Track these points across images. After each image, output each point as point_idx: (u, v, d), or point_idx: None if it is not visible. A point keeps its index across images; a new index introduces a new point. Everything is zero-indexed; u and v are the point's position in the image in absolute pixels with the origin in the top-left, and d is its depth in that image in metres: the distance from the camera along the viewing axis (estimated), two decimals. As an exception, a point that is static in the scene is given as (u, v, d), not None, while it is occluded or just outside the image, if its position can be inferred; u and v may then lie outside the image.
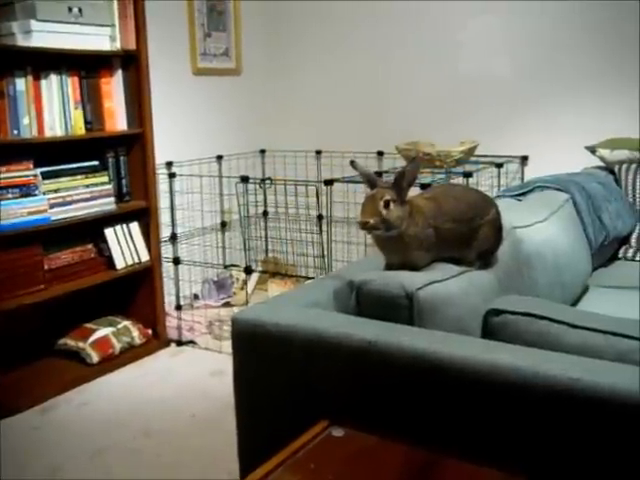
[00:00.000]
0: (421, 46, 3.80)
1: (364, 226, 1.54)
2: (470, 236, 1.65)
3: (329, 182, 3.02)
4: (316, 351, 1.38)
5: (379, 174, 3.47)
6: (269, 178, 3.31)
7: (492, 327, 1.40)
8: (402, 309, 1.40)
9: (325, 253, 3.09)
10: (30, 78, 2.86)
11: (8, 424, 2.66)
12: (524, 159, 3.58)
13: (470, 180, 2.94)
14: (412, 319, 1.40)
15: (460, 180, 2.96)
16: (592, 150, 3.17)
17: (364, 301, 1.47)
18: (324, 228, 3.21)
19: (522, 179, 3.54)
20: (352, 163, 1.69)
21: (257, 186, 3.51)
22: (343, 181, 3.05)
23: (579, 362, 1.20)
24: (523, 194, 2.62)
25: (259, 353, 1.48)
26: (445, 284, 1.47)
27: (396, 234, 1.54)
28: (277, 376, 1.47)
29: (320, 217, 3.73)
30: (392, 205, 1.53)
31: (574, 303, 2.31)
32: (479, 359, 1.21)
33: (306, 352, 1.40)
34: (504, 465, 1.17)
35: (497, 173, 3.33)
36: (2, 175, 2.76)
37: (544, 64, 3.48)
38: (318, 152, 4.16)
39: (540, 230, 2.17)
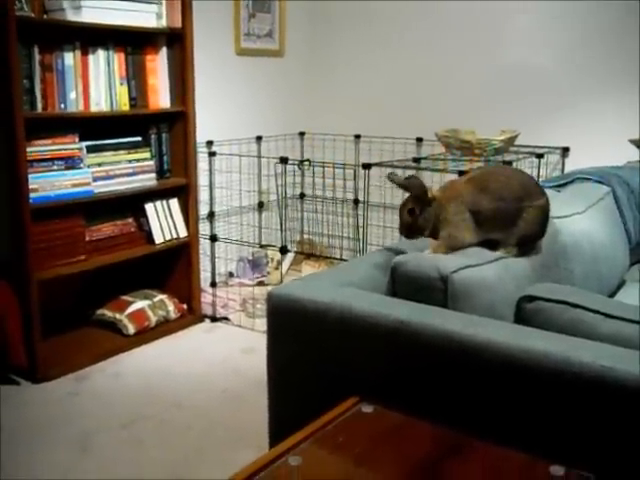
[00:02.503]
0: (464, 34, 3.77)
1: (402, 236, 1.75)
2: (515, 216, 1.67)
3: (367, 166, 3.03)
4: (349, 328, 1.41)
5: (417, 160, 3.47)
6: (308, 160, 3.33)
7: (525, 313, 1.41)
8: (436, 291, 1.41)
9: (360, 236, 3.11)
10: (78, 53, 2.92)
11: (44, 389, 2.75)
12: (565, 150, 3.54)
13: (509, 169, 2.91)
14: (446, 302, 1.41)
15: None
16: (637, 144, 3.12)
17: (399, 282, 1.48)
18: (360, 212, 3.22)
19: (562, 170, 3.50)
20: (389, 175, 1.83)
21: (296, 167, 3.53)
22: (381, 165, 3.05)
23: (611, 351, 1.20)
24: (563, 185, 2.60)
25: (293, 328, 1.51)
26: (480, 269, 1.48)
27: (427, 234, 1.70)
28: (310, 352, 1.50)
29: (356, 201, 3.75)
30: (417, 211, 1.70)
31: (610, 296, 2.29)
32: (512, 344, 1.22)
33: (339, 329, 1.42)
34: (530, 449, 1.18)
35: (537, 164, 3.30)
36: (48, 147, 2.83)
37: (588, 54, 3.43)
38: (357, 136, 4.17)
39: (578, 221, 2.15)
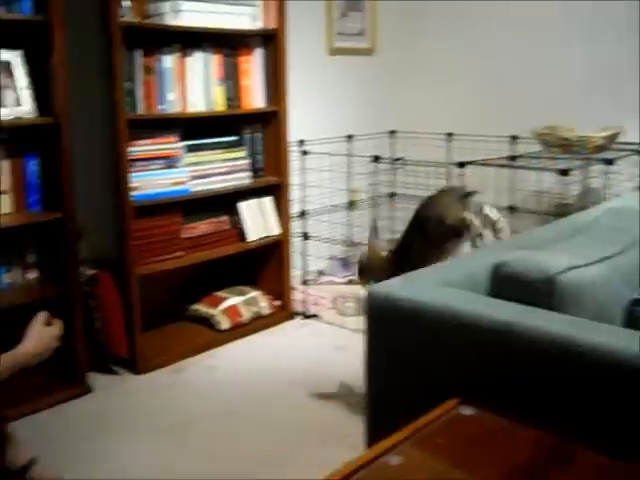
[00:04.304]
0: (562, 28, 3.65)
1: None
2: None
3: (462, 164, 2.99)
4: (449, 329, 1.39)
5: (513, 158, 3.38)
6: (400, 158, 3.30)
7: (637, 317, 1.35)
8: (541, 293, 1.38)
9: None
10: (177, 55, 3.01)
11: (143, 380, 2.85)
12: (672, 148, 3.37)
13: (611, 168, 2.82)
14: (551, 303, 1.37)
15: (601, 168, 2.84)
16: None
17: (501, 283, 1.45)
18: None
19: (668, 169, 3.33)
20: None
21: (389, 166, 3.52)
22: (476, 164, 3.00)
23: None
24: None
25: (391, 327, 1.50)
26: (587, 269, 1.43)
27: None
28: (408, 351, 1.49)
29: (448, 200, 3.69)
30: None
31: None
32: (621, 348, 1.18)
33: (438, 329, 1.41)
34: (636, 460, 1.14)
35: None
36: (149, 147, 2.93)
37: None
38: (449, 135, 4.11)
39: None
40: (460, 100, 4.10)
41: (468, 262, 1.70)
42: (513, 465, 1.17)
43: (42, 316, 1.97)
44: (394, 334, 1.50)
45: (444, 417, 1.32)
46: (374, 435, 1.63)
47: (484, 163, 2.90)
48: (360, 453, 2.10)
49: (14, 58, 2.53)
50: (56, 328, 1.97)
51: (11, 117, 2.46)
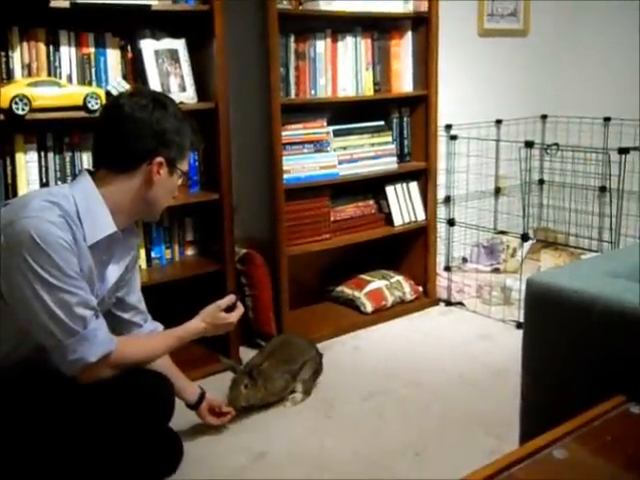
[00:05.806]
0: None
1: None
2: None
3: (624, 150, 2.82)
4: (619, 323, 1.33)
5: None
6: (556, 144, 3.18)
7: None
8: None
9: (613, 227, 2.90)
10: (329, 40, 3.05)
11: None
12: None
13: None
14: None
15: None
16: None
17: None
18: (613, 200, 3.00)
19: None
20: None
21: (543, 152, 3.39)
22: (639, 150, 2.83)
23: None
24: None
25: (553, 318, 1.46)
26: None
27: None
28: (570, 344, 1.44)
29: (603, 188, 3.52)
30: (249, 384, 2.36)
31: None
32: None
33: (607, 323, 1.35)
34: None
35: None
36: (300, 131, 3.00)
37: None
38: (606, 119, 3.89)
39: None
40: (619, 82, 3.87)
41: (636, 251, 1.62)
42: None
43: (226, 300, 1.98)
44: (556, 325, 1.46)
45: (609, 414, 1.27)
46: (528, 427, 1.60)
47: (649, 149, 2.73)
48: (506, 443, 2.08)
49: (180, 46, 2.67)
50: (235, 316, 1.98)
51: (177, 103, 2.60)
